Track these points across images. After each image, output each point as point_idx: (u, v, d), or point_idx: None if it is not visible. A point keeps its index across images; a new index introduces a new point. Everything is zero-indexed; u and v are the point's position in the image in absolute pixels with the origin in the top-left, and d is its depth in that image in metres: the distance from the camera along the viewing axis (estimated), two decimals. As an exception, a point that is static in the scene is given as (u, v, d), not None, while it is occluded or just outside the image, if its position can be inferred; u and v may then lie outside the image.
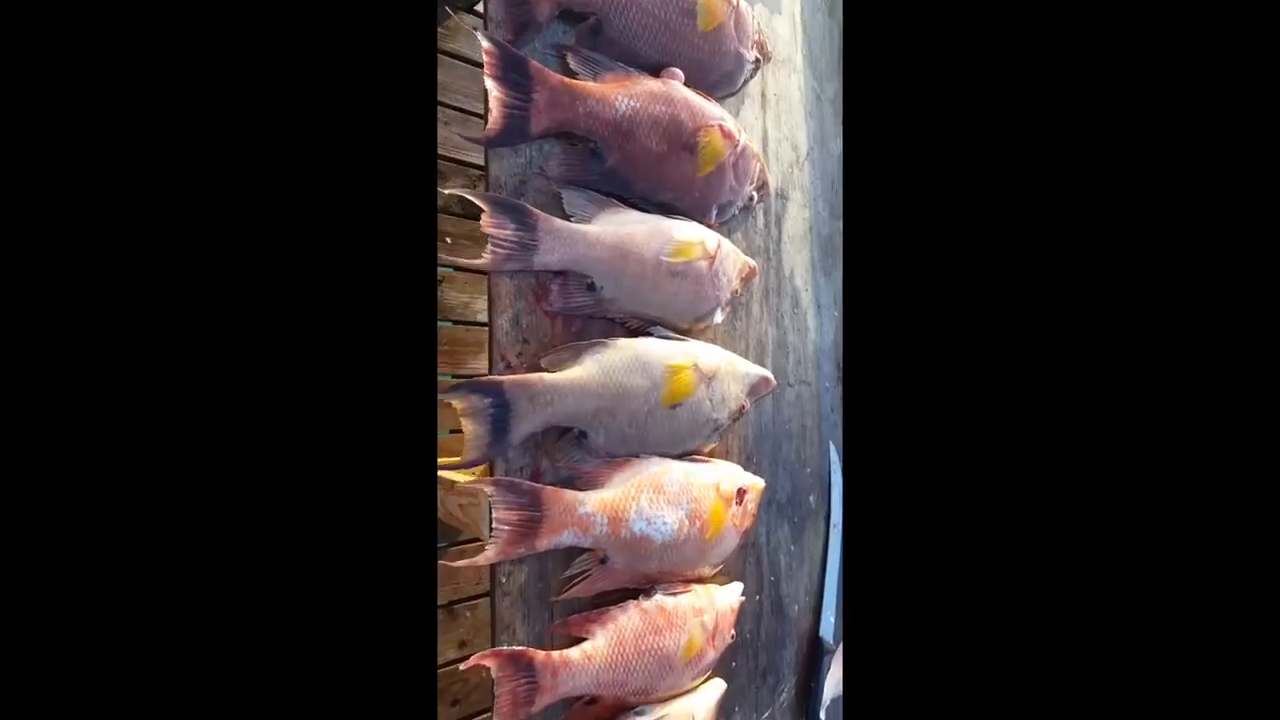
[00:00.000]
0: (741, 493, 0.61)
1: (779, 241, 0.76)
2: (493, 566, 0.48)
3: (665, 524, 0.54)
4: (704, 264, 0.59)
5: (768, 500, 0.71)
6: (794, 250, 0.78)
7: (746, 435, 0.69)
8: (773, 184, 0.75)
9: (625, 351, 0.54)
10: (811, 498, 0.78)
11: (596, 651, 0.51)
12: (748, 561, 0.68)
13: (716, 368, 0.60)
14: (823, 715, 0.73)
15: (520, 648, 0.48)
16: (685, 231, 0.58)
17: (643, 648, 0.53)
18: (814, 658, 0.75)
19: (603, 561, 0.53)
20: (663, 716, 0.53)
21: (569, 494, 0.51)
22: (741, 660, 0.67)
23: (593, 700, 0.52)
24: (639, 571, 0.55)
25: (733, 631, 0.60)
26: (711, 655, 0.58)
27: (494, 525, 0.48)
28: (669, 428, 0.56)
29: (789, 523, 0.74)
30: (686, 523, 0.56)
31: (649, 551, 0.54)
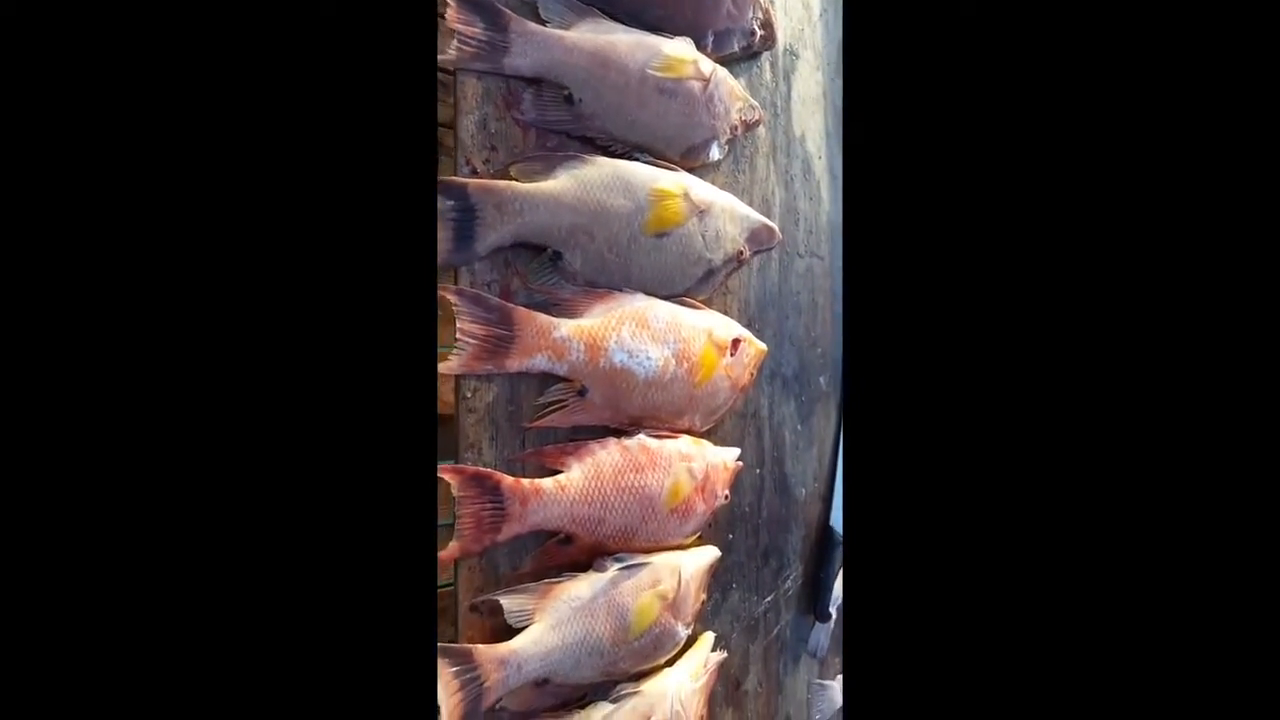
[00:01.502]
0: (736, 343, 0.56)
1: (788, 100, 0.70)
2: (457, 379, 0.45)
3: (649, 359, 0.50)
4: (696, 85, 0.54)
5: (771, 372, 0.66)
6: (806, 113, 0.72)
7: (747, 298, 0.64)
8: (781, 38, 0.69)
9: (605, 169, 0.50)
10: (822, 379, 0.72)
11: (571, 483, 0.47)
12: (747, 432, 0.63)
13: (711, 202, 0.55)
14: (833, 611, 0.68)
15: (486, 469, 0.45)
16: (675, 47, 0.53)
17: (622, 484, 0.49)
18: (823, 548, 0.70)
19: (581, 394, 0.49)
20: (644, 564, 0.49)
21: (543, 317, 0.47)
22: (740, 535, 0.62)
23: (567, 540, 0.48)
24: (620, 410, 0.51)
25: (726, 492, 0.56)
26: (701, 509, 0.53)
27: (458, 336, 0.44)
28: (655, 259, 0.52)
29: (795, 400, 0.69)
30: (673, 361, 0.51)
31: (630, 386, 0.50)
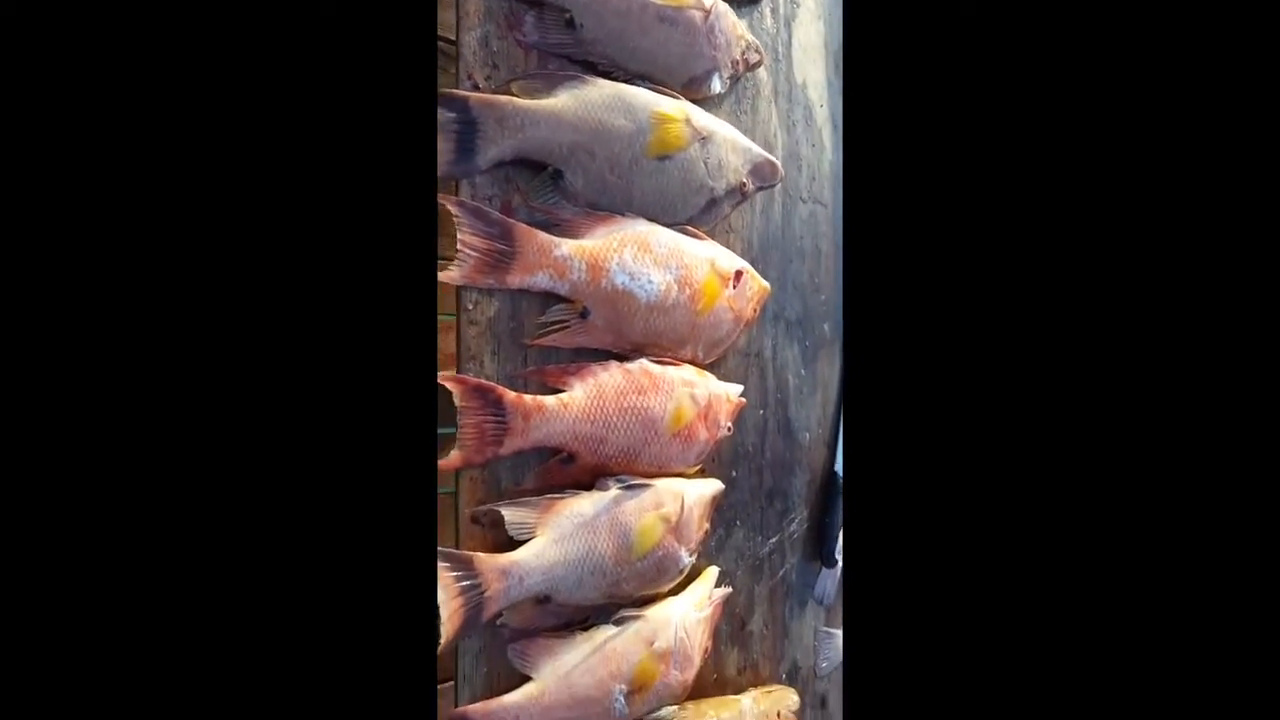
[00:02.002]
0: (739, 275, 0.56)
1: (789, 47, 0.70)
2: (458, 291, 0.45)
3: (651, 282, 0.50)
4: (697, 15, 0.54)
5: (774, 315, 0.66)
6: (807, 61, 0.72)
7: (750, 239, 0.63)
8: (783, -16, 0.69)
9: (606, 89, 0.50)
10: (826, 326, 0.72)
11: (574, 401, 0.47)
12: (750, 371, 0.63)
13: (713, 130, 0.54)
14: (839, 557, 0.68)
15: (489, 382, 0.45)
16: (675, -26, 0.53)
17: (624, 405, 0.49)
18: (829, 494, 0.69)
19: (583, 316, 0.49)
20: (646, 485, 0.49)
21: (544, 235, 0.47)
22: (743, 473, 0.62)
23: (570, 459, 0.48)
24: (622, 335, 0.50)
25: (729, 424, 0.55)
26: (704, 437, 0.53)
27: (459, 247, 0.44)
28: (657, 183, 0.52)
29: (799, 345, 0.69)
30: (675, 287, 0.51)
31: (632, 310, 0.50)
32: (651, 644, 0.48)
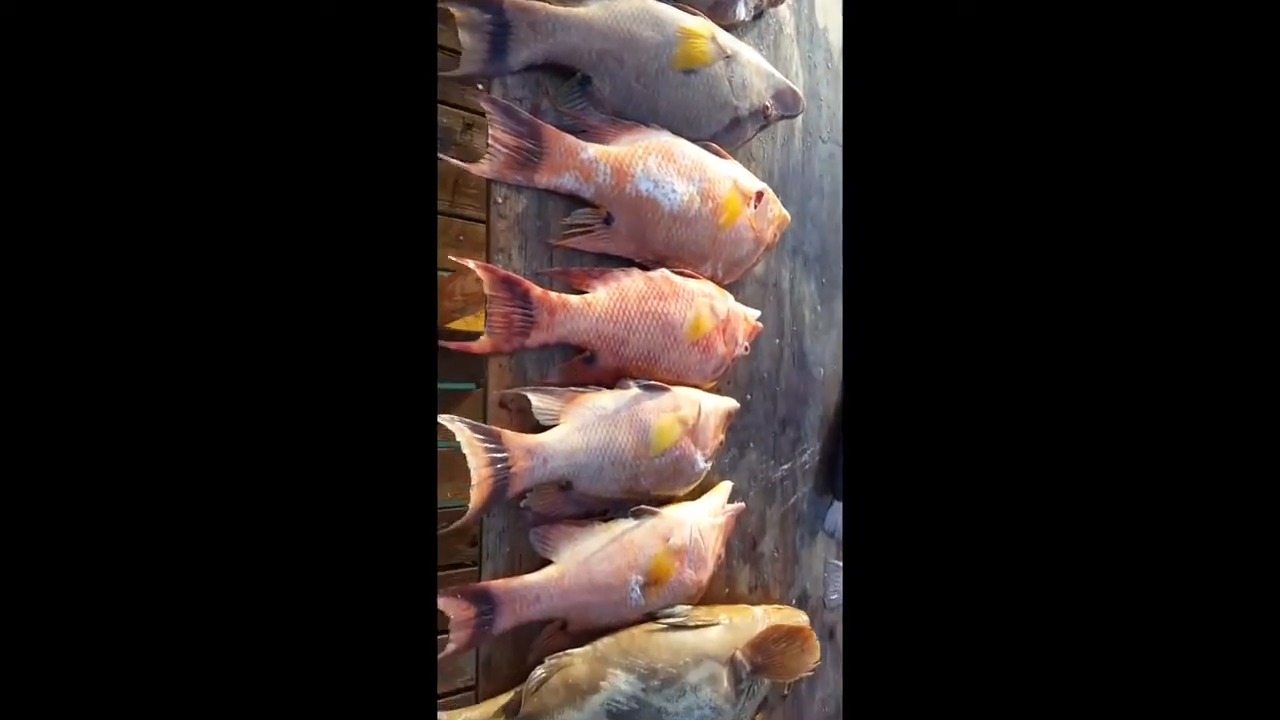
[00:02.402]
0: (760, 195, 0.57)
1: (812, -12, 0.71)
2: (488, 185, 0.46)
3: (674, 191, 0.51)
4: (724, -62, 0.55)
5: (793, 248, 0.67)
6: (829, 4, 0.73)
7: (770, 169, 0.64)
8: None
9: (635, 2, 0.51)
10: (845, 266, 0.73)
11: (597, 302, 0.48)
12: (767, 300, 0.64)
13: (738, 51, 0.56)
14: (849, 488, 0.69)
15: (517, 275, 0.46)
16: (704, -104, 0.54)
17: (646, 309, 0.50)
18: (840, 434, 0.70)
19: (606, 222, 0.50)
20: (665, 389, 0.50)
21: (571, 137, 0.49)
22: (758, 398, 0.63)
23: (592, 358, 0.49)
24: (645, 243, 0.52)
25: (746, 344, 0.56)
26: (721, 350, 0.54)
27: (490, 142, 0.46)
28: (682, 96, 0.53)
29: (816, 281, 0.70)
30: (698, 199, 0.52)
31: (656, 218, 0.51)
32: (667, 540, 0.49)
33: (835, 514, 0.69)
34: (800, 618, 0.60)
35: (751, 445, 0.62)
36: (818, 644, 0.49)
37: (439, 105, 1.24)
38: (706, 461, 0.53)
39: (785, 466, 0.65)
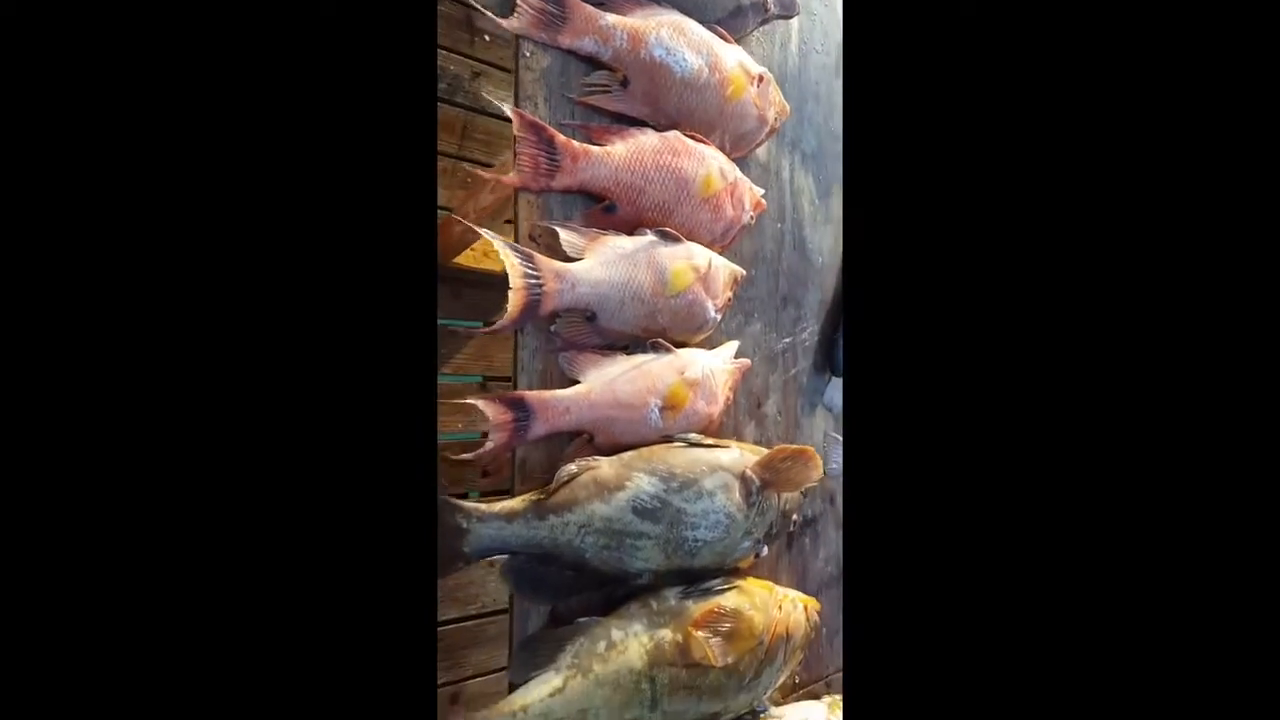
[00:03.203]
0: (761, 78, 0.62)
1: (807, -94, 0.76)
2: (517, 40, 0.51)
3: (685, 60, 0.56)
4: None
5: (791, 142, 0.72)
6: (822, -76, 0.78)
7: (769, 68, 0.69)
8: None
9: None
10: (840, 167, 0.78)
11: (616, 153, 0.53)
12: (769, 185, 0.69)
13: (738, -59, 0.61)
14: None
15: (543, 121, 0.50)
16: None
17: (661, 163, 0.54)
18: (839, 313, 0.75)
19: (623, 84, 0.55)
20: (680, 239, 0.55)
21: (590, 6, 0.53)
22: (761, 274, 0.68)
23: (612, 207, 0.54)
24: (658, 107, 0.56)
25: (753, 213, 0.61)
26: (729, 214, 0.59)
27: (518, 4, 0.50)
28: (690, -23, 0.58)
29: (814, 177, 0.75)
30: (706, 69, 0.57)
31: (668, 84, 0.56)
32: (683, 373, 0.53)
33: (833, 390, 0.74)
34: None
35: (756, 316, 0.67)
36: (820, 461, 0.53)
37: (450, 54, 1.29)
38: (717, 313, 0.58)
39: (786, 340, 0.70)
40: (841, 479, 0.73)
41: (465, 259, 1.19)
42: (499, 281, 0.48)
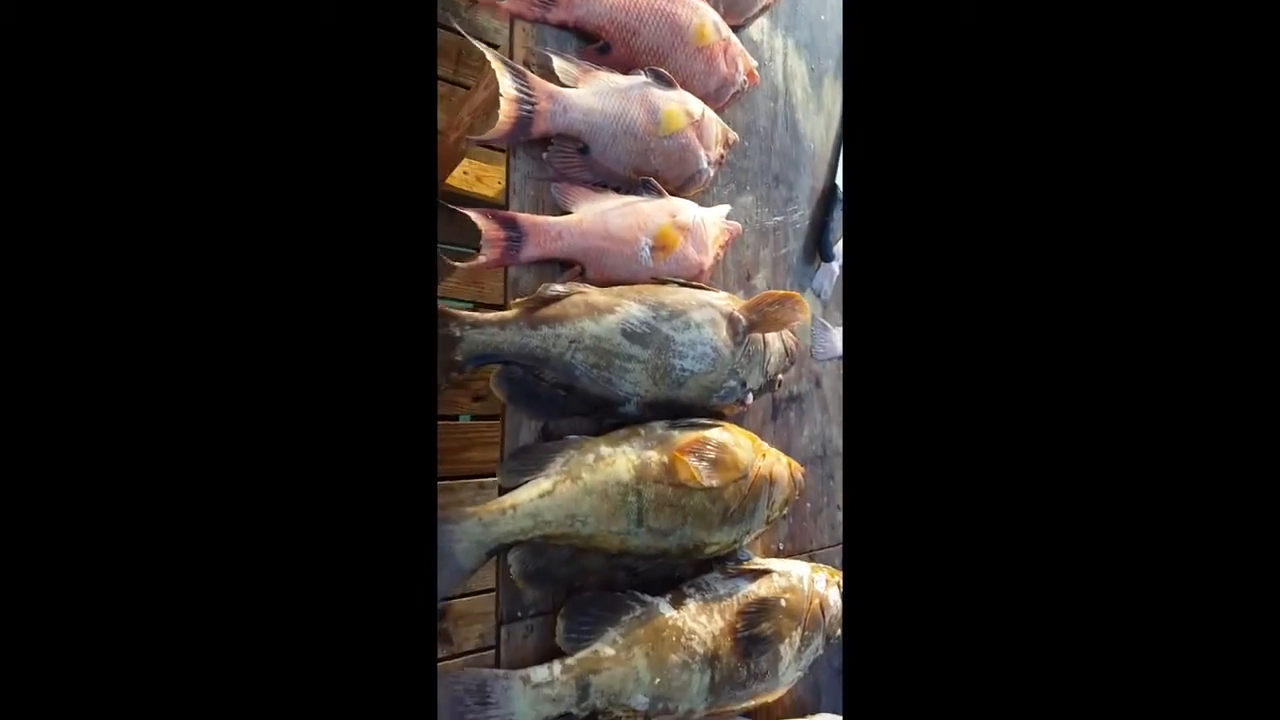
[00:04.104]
0: (758, -57, 0.62)
1: None
2: None
3: (681, -89, 0.56)
4: None
5: (785, 28, 0.73)
6: None
7: (766, -52, 0.70)
8: None
9: None
10: (831, 61, 0.79)
11: (610, -7, 0.54)
12: (764, 61, 0.69)
13: None
14: (835, 253, 0.74)
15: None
16: None
17: (656, 6, 0.55)
18: (829, 201, 0.76)
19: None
20: (674, 84, 0.55)
21: None
22: (754, 148, 0.68)
23: (606, 48, 0.54)
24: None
25: (745, 78, 0.62)
26: (723, 70, 0.59)
27: None
28: None
29: (807, 64, 0.75)
30: (702, -76, 0.58)
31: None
32: (674, 215, 0.54)
33: (822, 275, 0.75)
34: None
35: (748, 189, 0.68)
36: (807, 306, 0.54)
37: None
38: (710, 166, 0.58)
39: (778, 218, 0.71)
40: (828, 363, 0.75)
41: (457, 181, 1.19)
42: (493, 207, 0.48)
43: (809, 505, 0.70)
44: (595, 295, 0.49)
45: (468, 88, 1.30)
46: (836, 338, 0.75)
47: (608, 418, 0.52)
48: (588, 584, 0.50)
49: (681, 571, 0.55)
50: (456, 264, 0.46)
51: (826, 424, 0.74)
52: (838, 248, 0.75)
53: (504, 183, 0.52)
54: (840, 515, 0.73)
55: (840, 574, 0.62)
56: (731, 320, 0.53)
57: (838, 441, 0.74)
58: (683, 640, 0.49)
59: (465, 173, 1.19)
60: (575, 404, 0.49)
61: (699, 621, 0.51)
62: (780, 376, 0.60)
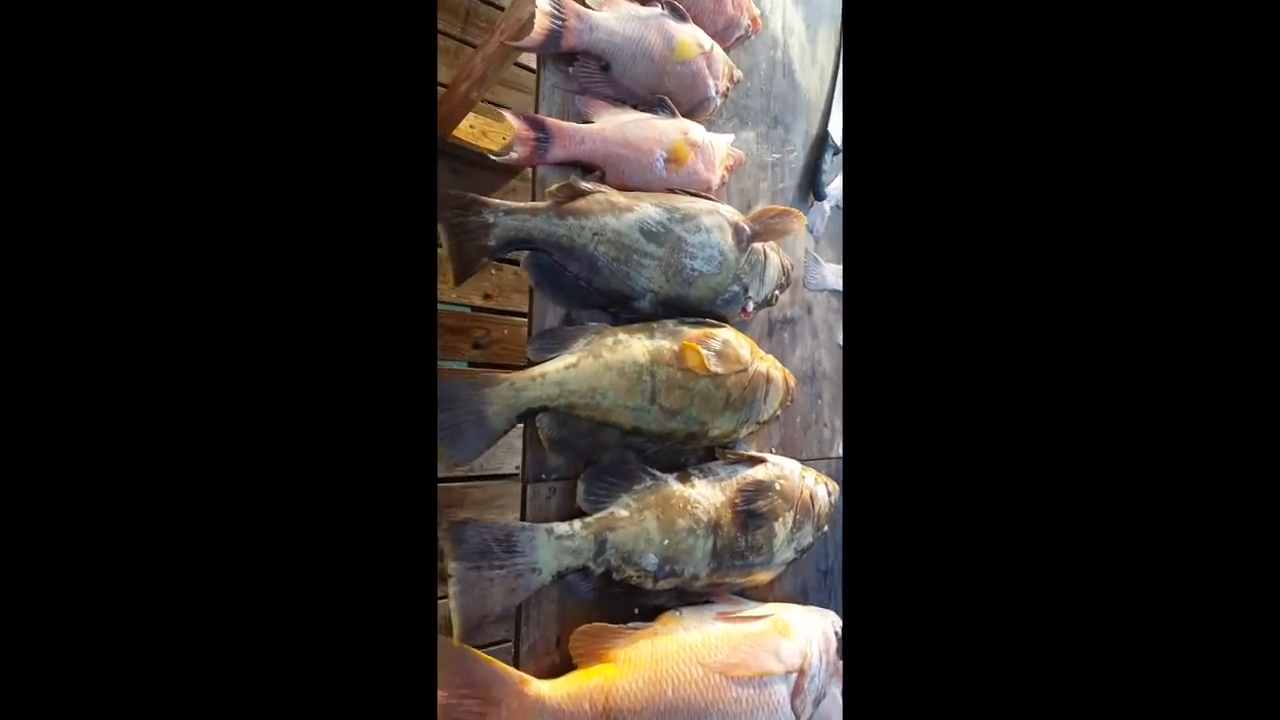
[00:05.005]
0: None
1: None
2: None
3: None
4: None
5: (786, -20, 0.78)
6: None
7: (769, -95, 0.76)
8: None
9: None
10: (825, 18, 0.84)
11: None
12: (764, 21, 0.75)
13: None
14: (828, 194, 0.80)
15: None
16: None
17: (672, -57, 0.60)
18: (822, 146, 0.82)
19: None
20: (684, 15, 0.61)
21: None
22: (755, 88, 0.74)
23: (626, -19, 0.60)
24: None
25: (749, 25, 0.67)
26: (729, 11, 0.65)
27: None
28: None
29: (804, 20, 0.81)
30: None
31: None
32: (686, 133, 0.59)
33: (815, 213, 0.81)
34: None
35: (750, 126, 0.73)
36: (803, 218, 0.60)
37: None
38: (717, 95, 0.64)
39: (775, 155, 0.76)
40: (819, 294, 0.81)
41: (463, 134, 1.23)
42: (496, 162, 0.53)
43: (799, 419, 0.76)
44: (616, 196, 0.55)
45: (475, 46, 1.34)
46: (827, 271, 0.81)
47: (624, 313, 0.57)
48: (603, 460, 0.56)
49: (686, 459, 0.60)
50: (494, 156, 0.51)
51: (816, 348, 0.80)
52: (829, 189, 0.80)
53: (513, 133, 0.57)
54: (827, 432, 0.79)
55: (827, 477, 0.68)
56: (737, 229, 0.59)
57: (826, 365, 0.80)
58: (688, 508, 0.55)
59: (471, 126, 1.23)
60: (595, 296, 0.55)
61: (703, 494, 0.56)
62: (777, 293, 0.66)
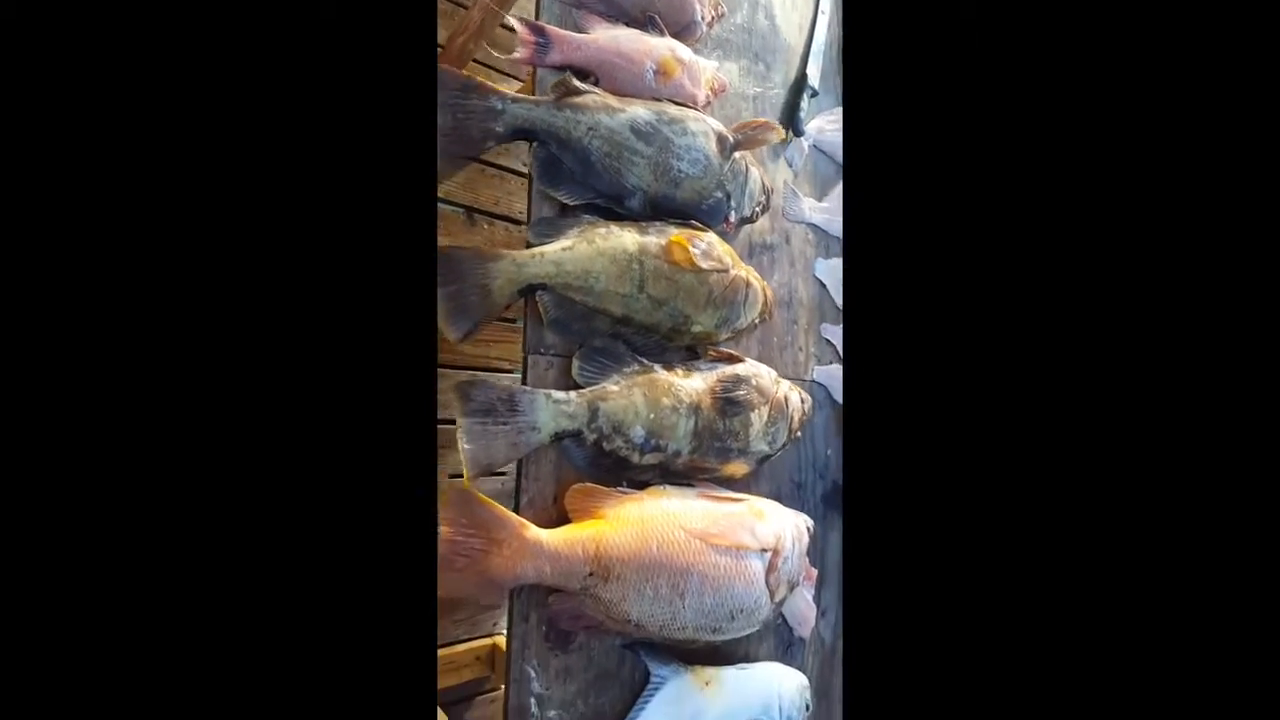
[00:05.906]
0: None
1: None
2: None
3: None
4: None
5: (769, -72, 0.83)
6: None
7: None
8: None
9: None
10: (806, -33, 0.90)
11: None
12: (749, -45, 0.80)
13: None
14: (805, 130, 0.85)
15: None
16: None
17: (663, -126, 0.65)
18: (800, 87, 0.87)
19: None
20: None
21: None
22: (735, 29, 0.79)
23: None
24: None
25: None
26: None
27: None
28: None
29: (785, -34, 0.86)
30: None
31: None
32: (674, 50, 0.64)
33: (793, 150, 0.86)
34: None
35: (733, 59, 0.78)
36: (782, 130, 0.65)
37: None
38: (702, 21, 0.68)
39: (757, 89, 0.81)
40: (797, 225, 0.86)
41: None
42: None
43: (775, 339, 0.81)
44: (611, 98, 0.59)
45: (466, 7, 1.37)
46: (805, 205, 0.86)
47: (616, 209, 0.61)
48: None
49: (670, 356, 0.65)
50: (498, 54, 0.55)
51: (793, 275, 0.85)
52: (807, 127, 0.86)
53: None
54: (801, 355, 0.84)
55: (801, 389, 0.73)
56: (720, 137, 0.64)
57: (802, 293, 0.85)
58: (673, 390, 0.59)
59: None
60: (588, 188, 0.59)
61: (686, 380, 0.61)
62: (758, 210, 0.71)
